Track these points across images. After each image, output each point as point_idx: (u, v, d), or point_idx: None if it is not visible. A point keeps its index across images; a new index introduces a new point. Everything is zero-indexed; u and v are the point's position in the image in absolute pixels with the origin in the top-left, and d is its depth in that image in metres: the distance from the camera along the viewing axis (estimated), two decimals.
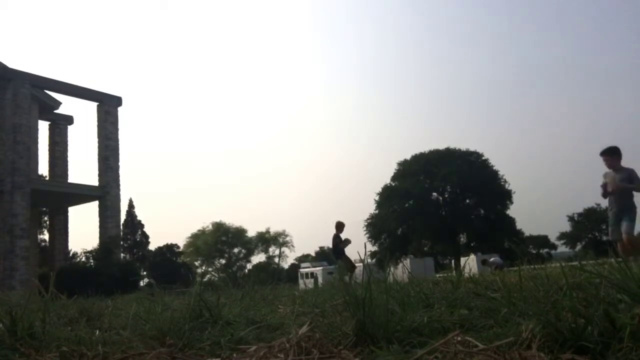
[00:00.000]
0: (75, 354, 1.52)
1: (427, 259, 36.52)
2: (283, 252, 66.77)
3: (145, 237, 33.20)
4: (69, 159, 32.47)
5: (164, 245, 33.94)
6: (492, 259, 22.95)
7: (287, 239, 66.27)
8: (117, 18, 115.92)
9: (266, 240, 66.21)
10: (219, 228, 63.21)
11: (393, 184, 53.54)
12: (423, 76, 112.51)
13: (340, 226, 12.89)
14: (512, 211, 52.54)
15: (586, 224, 63.05)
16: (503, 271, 5.12)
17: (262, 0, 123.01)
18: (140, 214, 35.09)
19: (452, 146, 53.91)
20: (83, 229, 60.09)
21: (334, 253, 12.94)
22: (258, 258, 66.89)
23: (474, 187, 50.08)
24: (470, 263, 22.26)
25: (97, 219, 29.47)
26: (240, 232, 64.35)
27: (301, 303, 2.33)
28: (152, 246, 33.98)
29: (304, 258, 68.83)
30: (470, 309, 1.72)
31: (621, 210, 7.01)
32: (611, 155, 7.13)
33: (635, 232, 7.30)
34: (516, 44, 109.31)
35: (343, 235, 12.71)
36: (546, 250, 62.97)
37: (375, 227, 53.10)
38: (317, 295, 2.74)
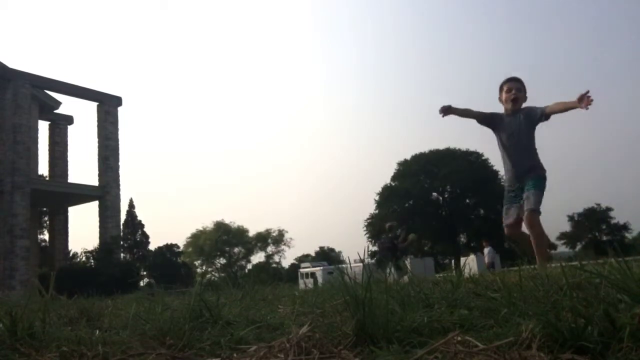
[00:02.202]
0: (75, 354, 1.52)
1: (427, 259, 36.50)
2: (283, 250, 66.88)
3: (146, 237, 33.15)
4: (69, 159, 32.52)
5: (164, 245, 33.95)
6: (487, 250, 23.40)
7: (286, 237, 66.40)
8: (117, 18, 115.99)
9: (266, 240, 66.30)
10: (220, 227, 63.29)
11: (393, 184, 53.58)
12: (423, 76, 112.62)
13: (393, 228, 13.64)
14: None
15: (586, 224, 63.07)
16: (501, 272, 4.99)
17: (262, 0, 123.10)
18: (141, 214, 35.07)
19: (452, 146, 53.99)
20: (83, 229, 60.18)
21: (394, 253, 13.44)
22: (258, 258, 66.99)
23: (474, 187, 50.11)
24: (470, 263, 22.36)
25: (97, 219, 29.50)
26: (241, 232, 64.42)
27: (301, 303, 2.34)
28: (152, 246, 34.00)
29: (304, 258, 68.83)
30: (470, 309, 1.72)
31: (526, 171, 4.74)
32: (523, 85, 4.96)
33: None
34: (516, 44, 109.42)
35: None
36: None
37: (375, 227, 53.11)
38: (317, 295, 2.74)
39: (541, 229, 4.51)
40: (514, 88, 4.91)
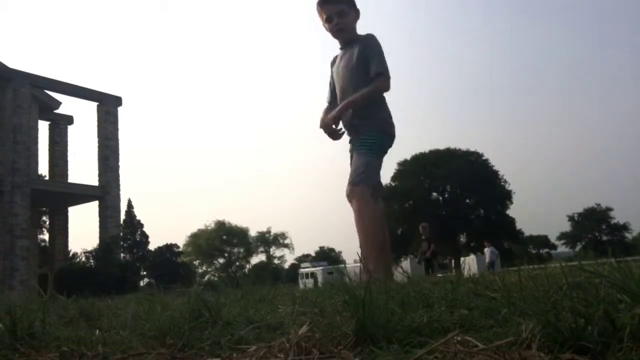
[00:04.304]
0: (75, 354, 1.51)
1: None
2: (283, 255, 66.95)
3: (145, 237, 33.15)
4: (69, 159, 32.51)
5: (164, 245, 34.00)
6: (489, 250, 23.64)
7: (288, 240, 66.42)
8: (117, 18, 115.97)
9: (266, 240, 66.29)
10: (221, 227, 63.25)
11: (393, 184, 53.53)
12: (423, 76, 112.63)
13: (426, 229, 14.49)
14: (512, 211, 52.62)
15: (586, 224, 63.07)
16: (501, 272, 4.96)
17: (262, 0, 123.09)
18: (140, 214, 35.07)
19: (452, 146, 53.95)
20: (83, 229, 60.08)
21: (435, 255, 14.33)
22: (257, 258, 67.06)
23: (474, 187, 50.10)
24: (470, 263, 22.50)
25: (97, 219, 29.48)
26: (242, 232, 64.38)
27: (301, 303, 2.33)
28: (152, 246, 34.01)
29: (304, 258, 68.84)
30: (470, 309, 1.72)
31: (352, 127, 3.55)
32: (346, 5, 3.56)
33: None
34: (516, 44, 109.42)
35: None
36: (546, 250, 63.02)
37: None
38: (317, 295, 2.74)
39: (364, 203, 3.39)
40: (334, 15, 3.53)
